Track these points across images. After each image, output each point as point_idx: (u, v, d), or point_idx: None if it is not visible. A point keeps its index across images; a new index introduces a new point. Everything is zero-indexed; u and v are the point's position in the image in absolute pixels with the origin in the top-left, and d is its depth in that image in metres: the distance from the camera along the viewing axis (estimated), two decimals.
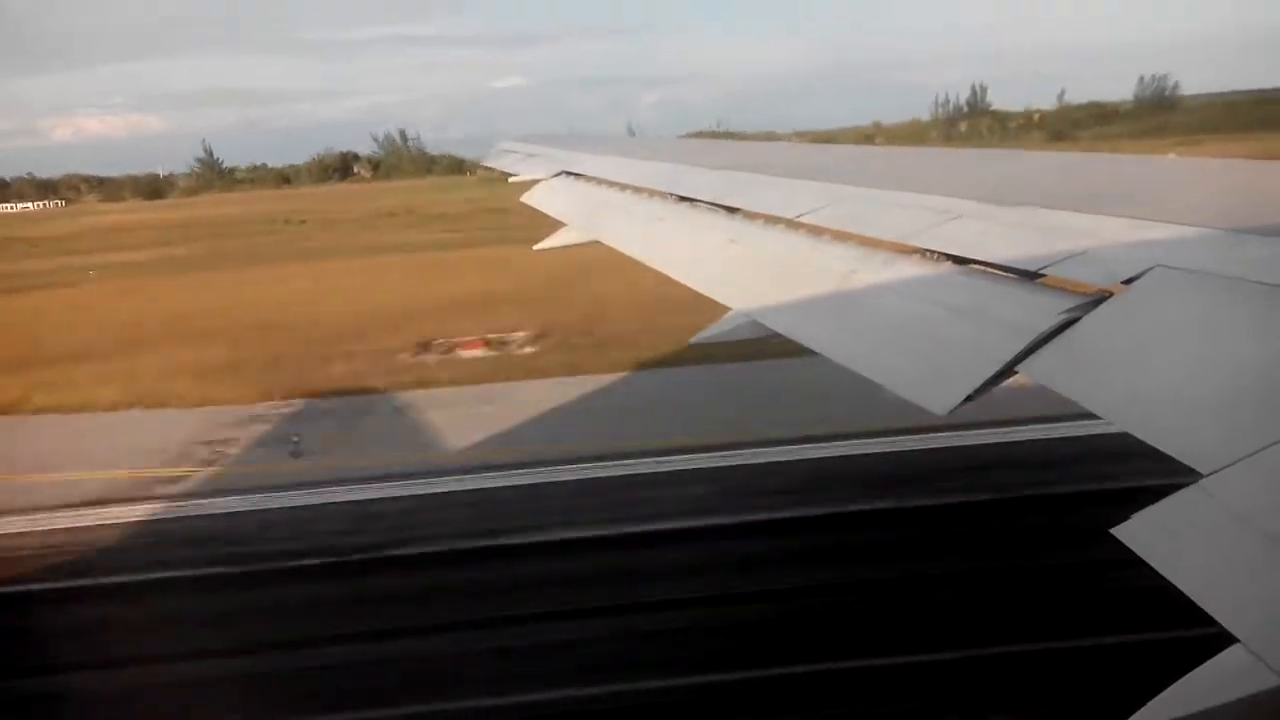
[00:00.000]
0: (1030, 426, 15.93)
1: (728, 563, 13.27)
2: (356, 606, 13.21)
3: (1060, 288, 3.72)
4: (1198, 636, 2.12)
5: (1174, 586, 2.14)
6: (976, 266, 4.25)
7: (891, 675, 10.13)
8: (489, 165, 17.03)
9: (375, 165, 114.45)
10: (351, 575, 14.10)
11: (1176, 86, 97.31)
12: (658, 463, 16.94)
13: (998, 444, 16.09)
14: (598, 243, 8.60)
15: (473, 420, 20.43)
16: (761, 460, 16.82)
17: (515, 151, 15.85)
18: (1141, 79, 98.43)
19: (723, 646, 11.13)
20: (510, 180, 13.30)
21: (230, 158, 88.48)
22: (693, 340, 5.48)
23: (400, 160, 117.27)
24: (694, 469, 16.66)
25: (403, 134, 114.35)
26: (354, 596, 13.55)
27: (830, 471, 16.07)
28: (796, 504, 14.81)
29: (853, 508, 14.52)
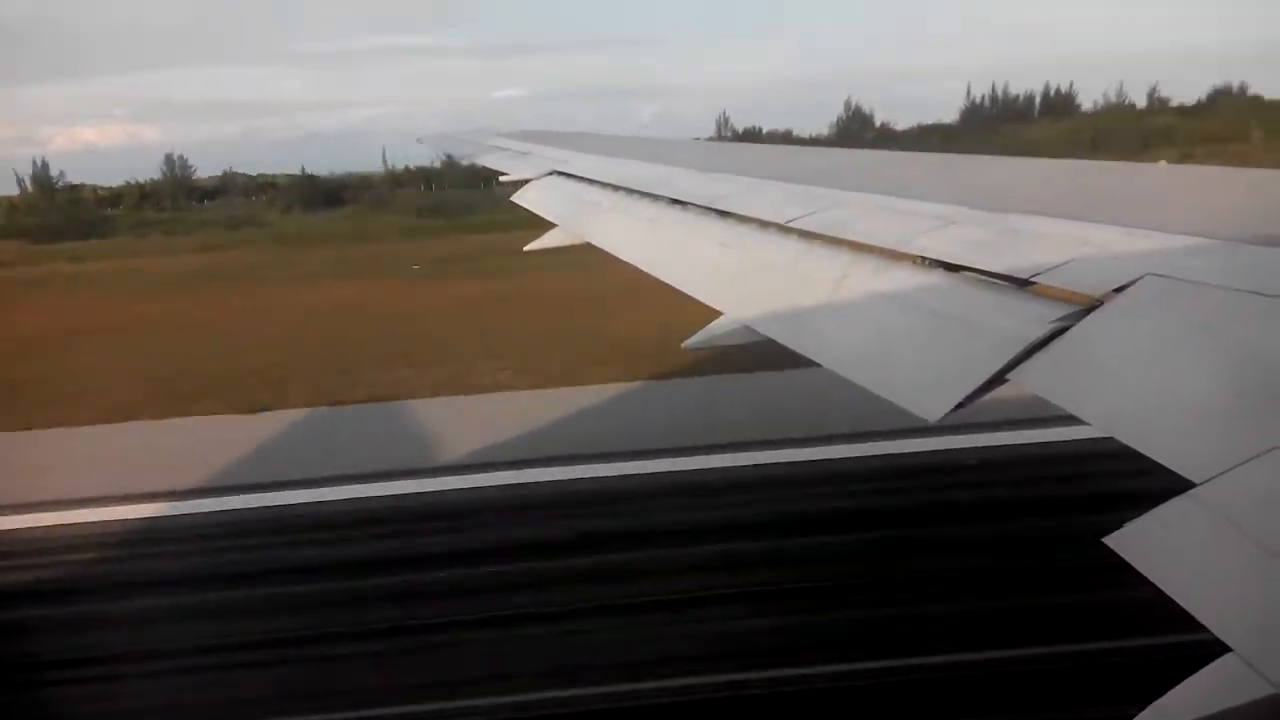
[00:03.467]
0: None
1: None
2: None
3: (1051, 296, 3.74)
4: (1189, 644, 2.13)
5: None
6: (968, 273, 4.26)
7: None
8: (479, 163, 16.95)
9: None
10: None
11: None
12: None
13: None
14: (588, 244, 8.59)
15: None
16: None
17: (506, 149, 15.81)
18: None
19: None
20: (501, 180, 13.26)
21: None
22: (685, 345, 5.48)
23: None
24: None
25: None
26: None
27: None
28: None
29: None
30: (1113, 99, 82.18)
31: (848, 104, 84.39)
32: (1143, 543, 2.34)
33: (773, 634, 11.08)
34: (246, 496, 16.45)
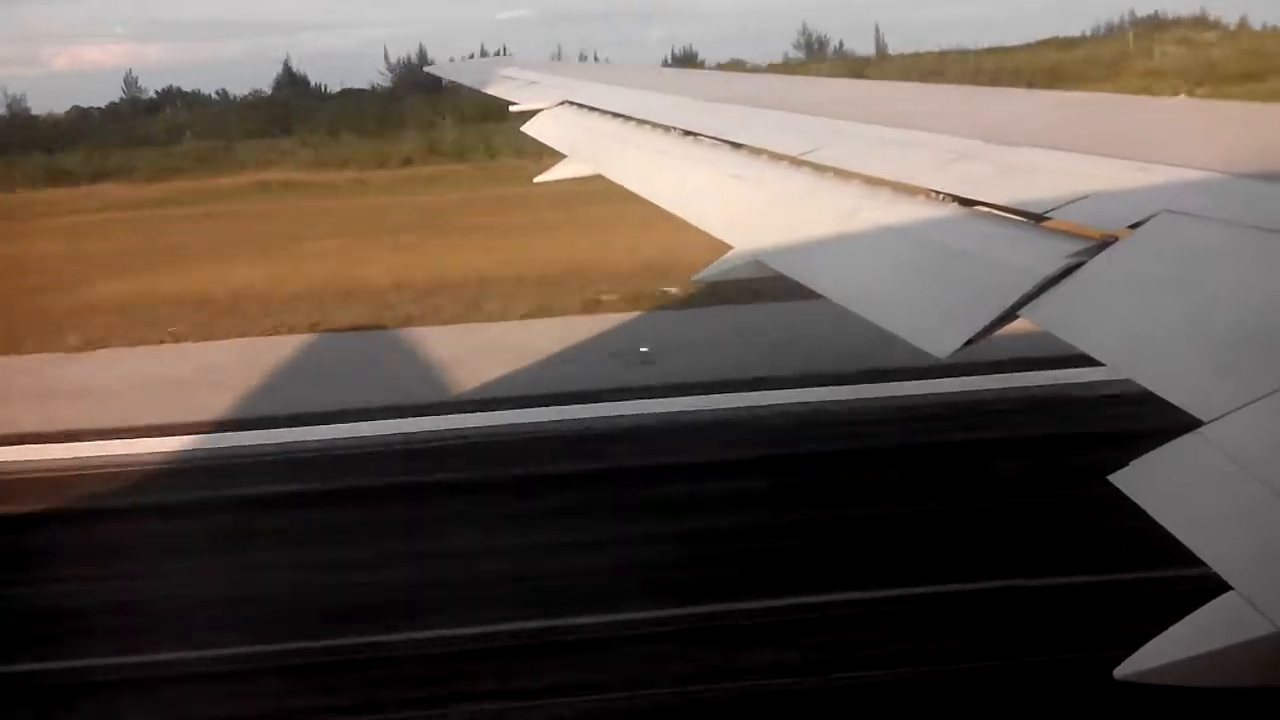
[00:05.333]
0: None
1: None
2: None
3: (1065, 231, 3.70)
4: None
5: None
6: (981, 208, 4.22)
7: None
8: (488, 92, 16.73)
9: None
10: None
11: None
12: None
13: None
14: (600, 176, 8.53)
15: None
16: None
17: (515, 79, 15.59)
18: None
19: None
20: (511, 109, 13.10)
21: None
22: (694, 277, 5.47)
23: None
24: None
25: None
26: None
27: None
28: None
29: None
30: None
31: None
32: (1147, 480, 2.35)
33: None
34: None
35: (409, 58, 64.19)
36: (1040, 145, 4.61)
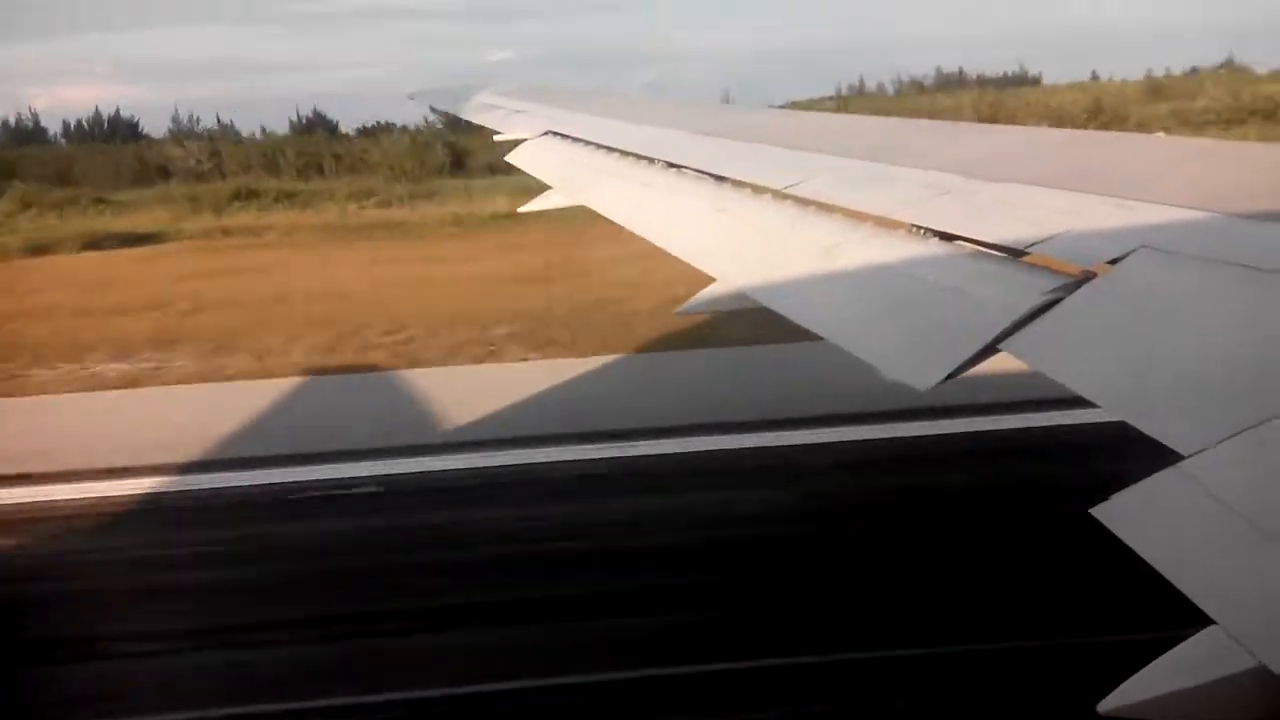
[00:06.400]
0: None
1: None
2: None
3: (1045, 267, 3.74)
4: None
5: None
6: (962, 243, 4.26)
7: None
8: (469, 120, 16.73)
9: None
10: None
11: None
12: None
13: None
14: (584, 207, 8.56)
15: None
16: None
17: (499, 107, 15.62)
18: None
19: None
20: (495, 139, 13.13)
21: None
22: (678, 310, 5.51)
23: None
24: None
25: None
26: None
27: None
28: None
29: None
30: None
31: None
32: (1129, 515, 2.36)
33: None
34: None
35: (116, 113, 59.77)
36: (1020, 181, 4.66)
